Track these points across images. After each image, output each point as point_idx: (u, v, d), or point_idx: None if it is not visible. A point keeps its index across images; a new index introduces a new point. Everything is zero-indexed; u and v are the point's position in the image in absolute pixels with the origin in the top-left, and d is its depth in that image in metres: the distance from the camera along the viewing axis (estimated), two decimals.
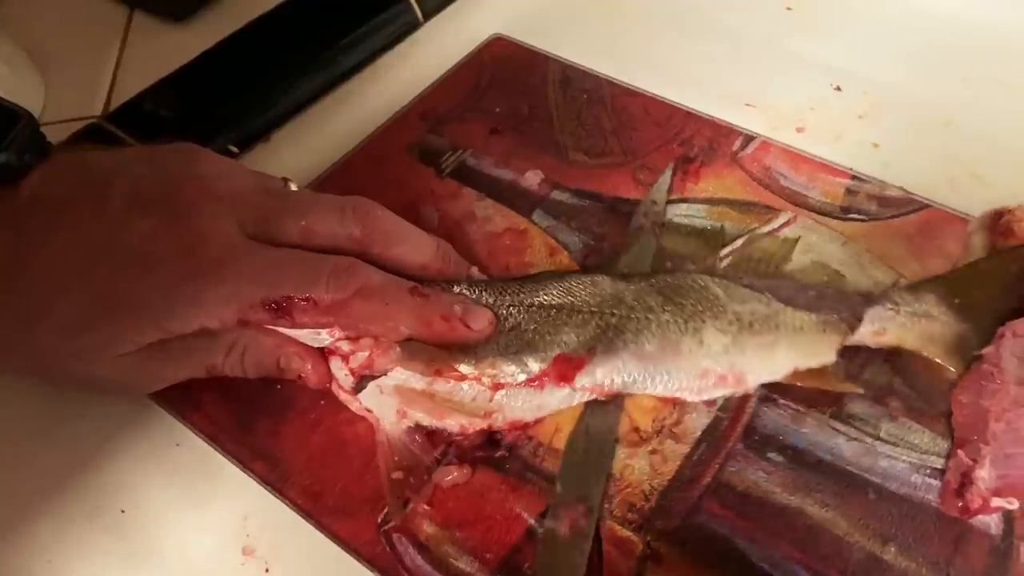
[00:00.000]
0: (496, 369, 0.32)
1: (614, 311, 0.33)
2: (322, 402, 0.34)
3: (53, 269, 0.31)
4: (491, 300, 0.34)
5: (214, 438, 0.33)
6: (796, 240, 0.37)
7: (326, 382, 0.33)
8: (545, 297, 0.34)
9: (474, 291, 0.34)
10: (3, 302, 0.31)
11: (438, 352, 0.32)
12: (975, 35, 0.47)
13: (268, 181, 0.35)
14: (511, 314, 0.34)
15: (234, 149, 0.43)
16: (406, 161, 0.42)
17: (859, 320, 0.33)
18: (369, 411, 0.33)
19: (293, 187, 0.36)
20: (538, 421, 0.33)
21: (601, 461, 0.32)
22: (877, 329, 0.33)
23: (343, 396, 0.33)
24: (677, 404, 0.33)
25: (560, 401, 0.33)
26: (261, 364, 0.33)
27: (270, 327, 0.32)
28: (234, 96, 0.45)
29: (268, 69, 0.46)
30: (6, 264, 0.31)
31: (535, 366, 0.32)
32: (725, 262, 0.37)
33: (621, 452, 0.32)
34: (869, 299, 0.34)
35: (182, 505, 0.32)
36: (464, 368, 0.32)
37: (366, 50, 0.48)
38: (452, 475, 0.31)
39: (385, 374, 0.32)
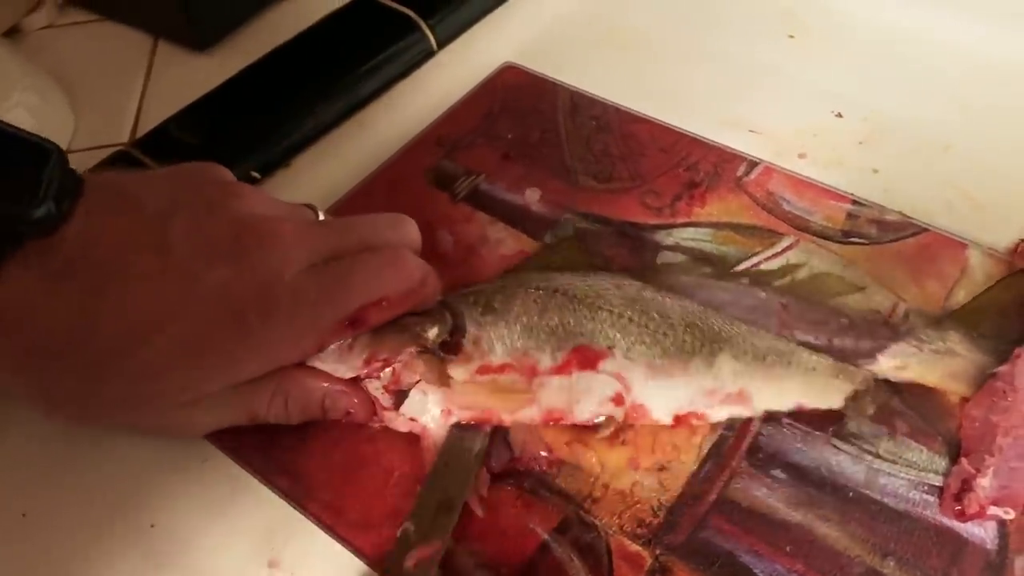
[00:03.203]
0: (526, 354, 0.34)
1: (633, 317, 0.35)
2: (343, 421, 0.35)
3: (131, 320, 0.30)
4: (517, 283, 0.36)
5: (239, 454, 0.34)
6: (862, 287, 0.38)
7: (373, 414, 0.34)
8: (571, 289, 0.36)
9: (505, 278, 0.37)
10: (73, 354, 0.30)
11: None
12: (972, 62, 0.48)
13: (307, 212, 0.36)
14: (538, 300, 0.35)
15: (256, 175, 0.45)
16: (422, 186, 0.44)
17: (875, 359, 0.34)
18: (414, 420, 0.34)
19: (321, 216, 0.37)
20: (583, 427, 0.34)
21: (457, 493, 0.32)
22: (899, 364, 0.34)
23: (386, 416, 0.34)
24: (684, 424, 0.34)
25: (594, 390, 0.34)
26: (306, 408, 0.33)
27: (311, 367, 0.33)
28: (255, 123, 0.47)
29: (288, 97, 0.48)
30: (77, 317, 0.30)
31: (559, 355, 0.34)
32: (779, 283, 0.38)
33: (631, 470, 0.33)
34: (895, 333, 0.35)
35: (210, 519, 0.33)
36: (495, 359, 0.34)
37: (382, 78, 0.50)
38: None
39: (413, 386, 0.33)
